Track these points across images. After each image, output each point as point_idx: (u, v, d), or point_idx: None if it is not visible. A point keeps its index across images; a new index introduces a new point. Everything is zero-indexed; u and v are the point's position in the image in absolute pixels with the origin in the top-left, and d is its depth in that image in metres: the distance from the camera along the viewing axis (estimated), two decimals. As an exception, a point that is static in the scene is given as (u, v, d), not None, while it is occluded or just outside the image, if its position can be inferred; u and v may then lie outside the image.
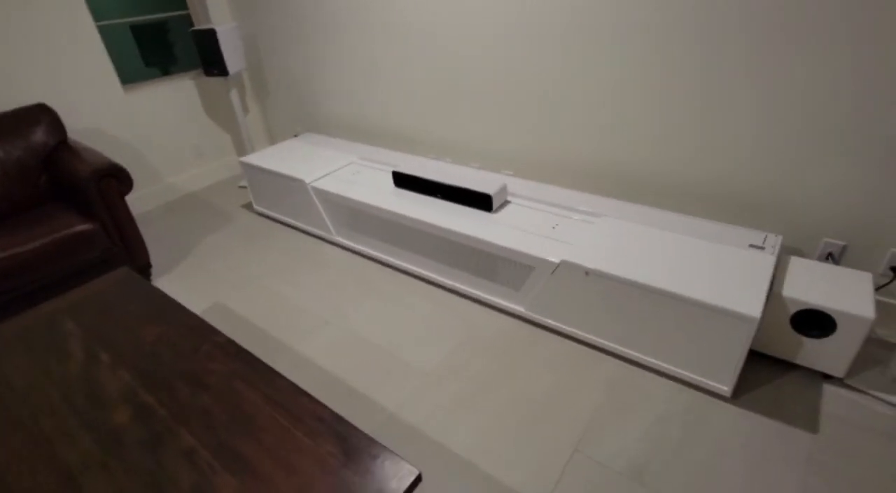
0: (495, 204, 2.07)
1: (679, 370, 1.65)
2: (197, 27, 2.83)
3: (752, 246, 1.69)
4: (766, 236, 1.74)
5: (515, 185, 2.26)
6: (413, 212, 2.13)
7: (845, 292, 1.53)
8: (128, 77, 2.99)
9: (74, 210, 2.15)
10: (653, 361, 1.69)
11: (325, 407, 1.14)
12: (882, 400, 1.54)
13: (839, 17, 1.49)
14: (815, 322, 1.56)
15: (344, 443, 1.05)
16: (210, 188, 3.41)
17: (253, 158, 2.79)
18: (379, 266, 2.41)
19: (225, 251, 2.63)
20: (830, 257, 1.80)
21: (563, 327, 1.87)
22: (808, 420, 1.51)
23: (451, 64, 2.42)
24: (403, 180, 2.33)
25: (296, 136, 3.42)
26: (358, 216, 2.37)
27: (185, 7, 3.16)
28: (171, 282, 2.40)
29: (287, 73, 3.22)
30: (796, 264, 1.69)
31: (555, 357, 1.80)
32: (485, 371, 1.77)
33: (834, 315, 1.49)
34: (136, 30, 3.09)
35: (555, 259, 1.75)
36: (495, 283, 2.00)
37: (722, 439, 1.47)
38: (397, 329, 1.99)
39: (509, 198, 2.18)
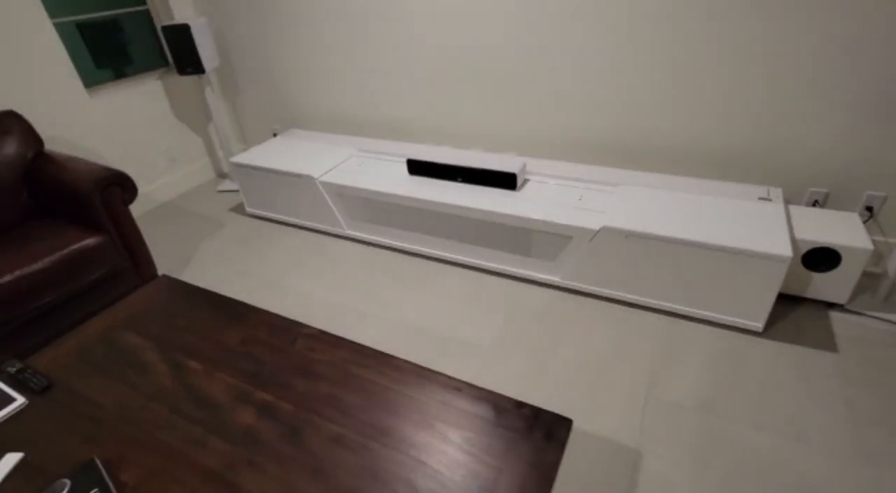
0: (519, 182, 2.16)
1: (715, 315, 1.83)
2: (167, 23, 2.65)
3: (760, 198, 1.92)
4: (769, 190, 1.98)
5: (528, 163, 2.36)
6: (439, 196, 2.17)
7: (843, 231, 1.79)
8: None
9: (73, 224, 1.97)
10: (690, 310, 1.87)
11: (449, 377, 1.18)
12: (879, 318, 1.82)
13: (822, -8, 1.72)
14: (821, 259, 1.80)
15: (486, 405, 1.10)
16: (187, 195, 3.21)
17: (245, 158, 2.67)
18: (399, 255, 2.41)
19: (228, 257, 2.51)
20: (816, 204, 2.08)
21: (601, 290, 2.00)
22: (827, 342, 1.75)
23: (442, 48, 2.46)
24: (419, 167, 2.35)
25: (275, 135, 3.30)
26: (375, 207, 2.36)
27: (141, 2, 2.93)
28: (180, 293, 2.26)
29: (260, 68, 3.09)
30: (793, 212, 1.93)
31: (599, 320, 1.93)
32: (541, 340, 1.86)
33: (840, 250, 1.74)
34: (86, 28, 2.82)
35: (594, 226, 1.87)
36: (530, 257, 2.09)
37: (765, 368, 1.67)
38: (439, 312, 2.03)
39: (527, 176, 2.28)
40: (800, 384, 1.60)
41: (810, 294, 1.88)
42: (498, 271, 2.21)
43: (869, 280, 2.02)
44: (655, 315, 1.93)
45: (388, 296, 2.15)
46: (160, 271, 2.41)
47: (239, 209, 2.98)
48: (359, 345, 1.30)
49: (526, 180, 2.25)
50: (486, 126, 2.59)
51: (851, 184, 2.00)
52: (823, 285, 1.84)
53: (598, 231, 1.86)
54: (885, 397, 1.53)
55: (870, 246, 1.70)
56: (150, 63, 3.04)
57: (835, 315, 1.86)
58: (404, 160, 2.54)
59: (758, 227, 1.75)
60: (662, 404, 1.57)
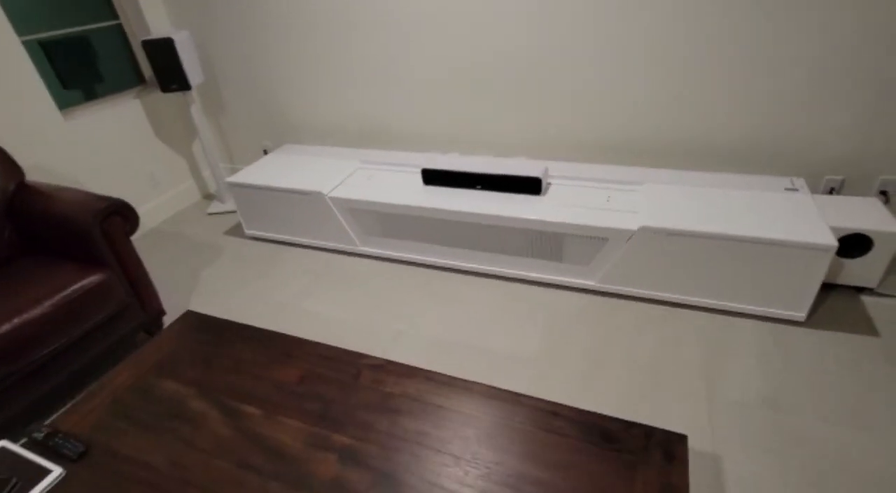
0: (543, 186, 2.11)
1: (756, 308, 1.83)
2: (148, 37, 2.47)
3: (787, 189, 1.93)
4: (792, 180, 2.00)
5: (548, 167, 2.31)
6: (461, 206, 2.09)
7: (870, 216, 1.82)
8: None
9: (69, 261, 1.77)
10: (730, 305, 1.86)
11: (538, 399, 1.10)
12: (909, 299, 1.86)
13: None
14: (853, 244, 1.83)
15: (591, 428, 1.03)
16: (175, 220, 3.00)
17: (242, 178, 2.51)
18: (421, 269, 2.32)
19: (235, 283, 2.35)
20: (833, 191, 2.12)
21: (639, 291, 1.97)
22: (867, 327, 1.77)
23: (446, 54, 2.39)
24: (435, 177, 2.26)
25: (266, 151, 3.14)
26: (391, 221, 2.26)
27: (112, 17, 2.73)
28: (188, 327, 2.09)
29: (246, 82, 2.93)
30: (815, 200, 1.96)
31: (641, 322, 1.90)
32: (586, 347, 1.81)
33: (872, 235, 1.77)
34: (51, 46, 2.60)
35: (632, 227, 1.84)
36: (562, 262, 2.04)
37: (815, 357, 1.67)
38: (476, 326, 1.95)
39: (549, 180, 2.23)
40: (851, 372, 1.60)
41: (841, 280, 1.91)
42: (529, 279, 2.15)
43: (891, 263, 2.07)
44: (695, 312, 1.91)
45: (419, 313, 2.05)
46: (164, 306, 2.22)
47: (236, 232, 2.81)
48: (431, 372, 1.20)
49: (548, 184, 2.20)
50: (493, 131, 2.54)
51: (865, 169, 2.05)
52: (854, 271, 1.86)
53: (637, 231, 1.83)
54: (937, 377, 1.56)
55: (900, 230, 1.74)
56: (125, 81, 2.83)
57: (867, 300, 1.89)
58: (415, 170, 2.45)
59: (793, 217, 1.75)
60: (726, 404, 1.54)
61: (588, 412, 1.06)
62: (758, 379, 1.61)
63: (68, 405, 1.43)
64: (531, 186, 2.11)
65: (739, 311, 1.86)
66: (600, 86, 2.22)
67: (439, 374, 1.20)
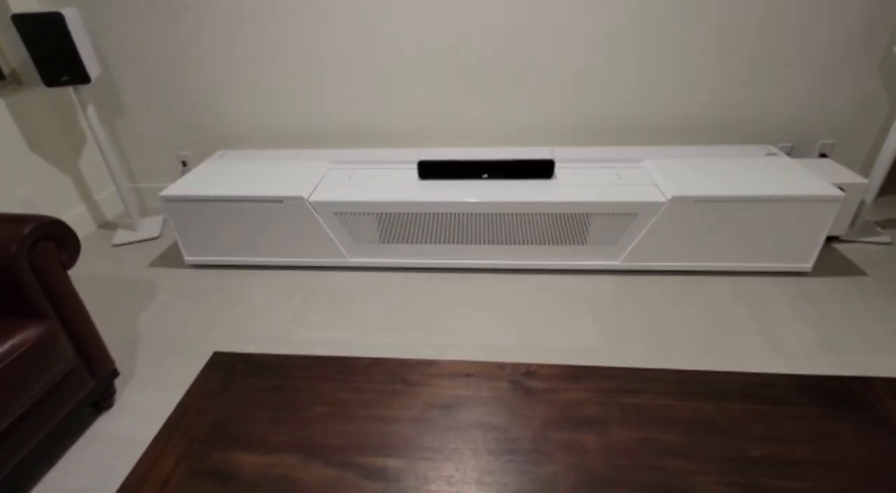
0: (556, 169, 2.02)
1: (771, 265, 1.94)
2: (23, 11, 1.83)
3: (769, 154, 2.11)
4: (766, 147, 2.19)
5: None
6: (472, 197, 1.90)
7: (833, 173, 2.06)
8: None
9: (-29, 317, 1.18)
10: (749, 265, 1.94)
11: (748, 373, 0.97)
12: (869, 242, 2.14)
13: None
14: (827, 198, 2.05)
15: (810, 391, 0.93)
16: (67, 258, 2.26)
17: (181, 190, 1.99)
18: (432, 274, 2.05)
19: (198, 324, 1.83)
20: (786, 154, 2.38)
21: (663, 264, 1.97)
22: (855, 269, 1.98)
23: (416, 42, 2.19)
24: (432, 169, 2.03)
25: (184, 163, 2.58)
26: (391, 223, 1.96)
27: (-53, -11, 1.99)
28: (164, 385, 1.55)
29: (154, 80, 2.36)
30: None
31: (676, 293, 1.89)
32: (641, 325, 1.73)
33: (844, 187, 1.99)
34: None
35: (661, 199, 1.83)
36: (587, 245, 1.95)
37: (835, 301, 1.81)
38: (525, 326, 1.76)
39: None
40: (869, 307, 1.77)
41: (817, 232, 2.13)
42: (555, 267, 2.02)
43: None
44: (719, 277, 1.96)
45: (455, 322, 1.79)
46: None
47: (167, 262, 2.21)
48: (597, 367, 1.00)
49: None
50: (473, 121, 2.38)
51: (808, 135, 2.34)
52: (829, 222, 2.09)
53: (667, 202, 1.82)
54: (929, 300, 1.79)
55: (864, 181, 1.99)
56: (-24, 77, 2.08)
57: (840, 247, 2.13)
58: (400, 166, 2.18)
59: (793, 177, 1.90)
60: (794, 354, 1.58)
61: (795, 376, 0.96)
62: (804, 327, 1.69)
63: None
64: (544, 169, 2.00)
65: (756, 269, 1.96)
66: (584, 72, 2.21)
67: (607, 368, 1.00)
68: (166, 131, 2.51)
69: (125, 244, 2.37)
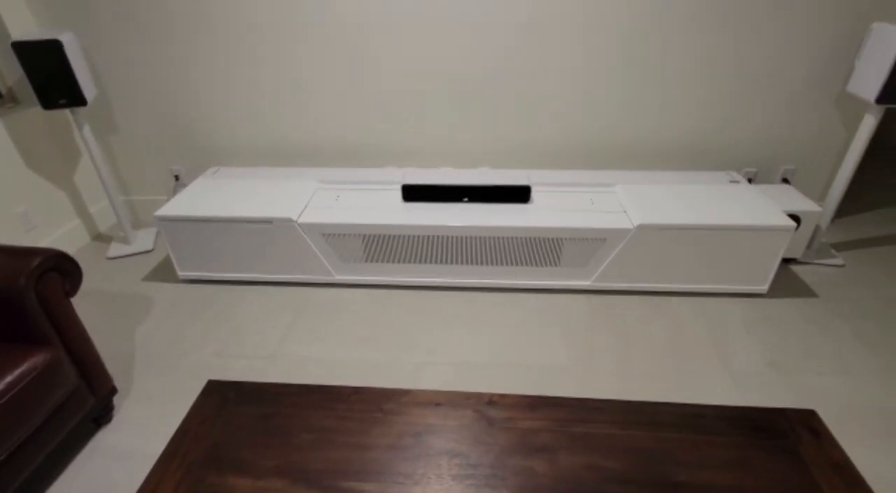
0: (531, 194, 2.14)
1: (730, 287, 2.08)
2: (23, 38, 1.90)
3: (731, 181, 2.25)
4: (729, 173, 2.33)
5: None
6: (452, 220, 2.01)
7: (792, 200, 2.20)
8: None
9: (-18, 344, 1.27)
10: (710, 287, 2.09)
11: (688, 405, 1.10)
12: (822, 264, 2.30)
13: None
14: (784, 224, 2.19)
15: (734, 421, 1.06)
16: (63, 271, 2.34)
17: (174, 209, 2.08)
18: (413, 292, 2.16)
19: (191, 339, 1.93)
20: (751, 181, 2.52)
21: (631, 285, 2.10)
22: (807, 290, 2.14)
23: (397, 65, 2.30)
24: (416, 192, 2.14)
25: (177, 178, 2.66)
26: (375, 244, 2.07)
27: (-56, 11, 2.04)
28: (160, 400, 1.65)
29: (147, 98, 2.44)
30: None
31: (642, 313, 2.03)
32: (609, 344, 1.87)
33: (800, 215, 2.14)
34: None
35: (628, 226, 1.96)
36: (560, 266, 2.08)
37: (786, 322, 1.96)
38: (500, 343, 1.89)
39: (526, 187, 2.27)
40: (817, 328, 1.92)
41: (776, 254, 2.28)
42: (529, 287, 2.15)
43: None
44: (681, 298, 2.10)
45: (433, 339, 1.91)
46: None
47: (160, 276, 2.30)
48: (547, 397, 1.13)
49: (529, 192, 2.23)
50: (455, 142, 2.49)
51: (771, 162, 2.48)
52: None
53: (634, 229, 1.95)
54: (875, 321, 1.94)
55: (818, 208, 2.14)
56: (-27, 96, 2.14)
57: (796, 268, 2.29)
58: (386, 187, 2.29)
59: (751, 205, 2.04)
60: (741, 371, 1.73)
61: (723, 407, 1.09)
62: (756, 346, 1.84)
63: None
64: (521, 194, 2.12)
65: (716, 291, 2.11)
66: (562, 99, 2.33)
67: (559, 398, 1.13)
68: (160, 146, 2.59)
69: (119, 257, 2.46)
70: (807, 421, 1.05)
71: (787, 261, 2.33)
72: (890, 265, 2.28)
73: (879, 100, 1.90)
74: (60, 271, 1.36)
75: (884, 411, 1.58)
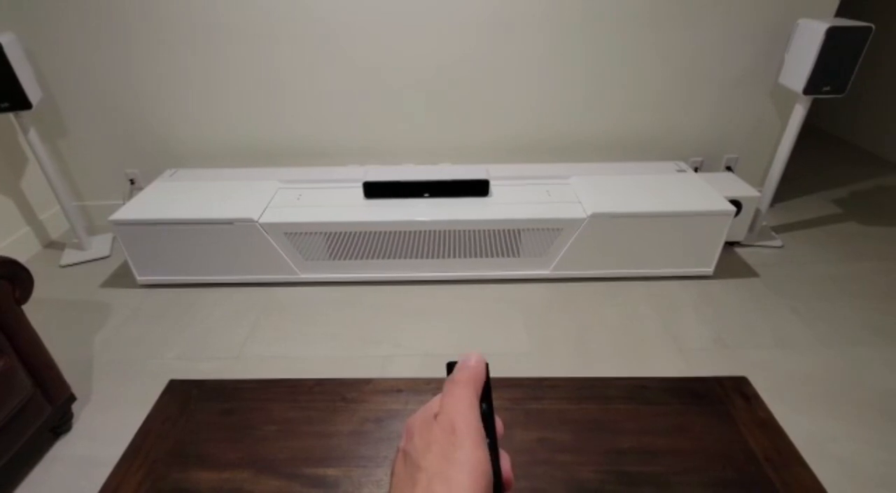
0: (490, 188, 2.20)
1: (678, 270, 2.20)
2: (-42, 40, 1.82)
3: (678, 171, 2.37)
4: (677, 163, 2.45)
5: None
6: (415, 215, 2.05)
7: (736, 186, 2.34)
8: None
9: (-73, 356, 1.23)
10: (659, 270, 2.20)
11: (633, 378, 1.17)
12: (764, 245, 2.45)
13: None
14: (728, 209, 2.33)
15: (676, 391, 1.14)
16: (13, 281, 2.26)
17: (131, 213, 2.04)
18: (377, 287, 2.19)
19: (151, 344, 1.90)
20: (697, 169, 2.66)
21: (587, 272, 2.19)
22: (749, 271, 2.28)
23: (352, 62, 2.32)
24: (377, 189, 2.17)
25: (132, 181, 2.60)
26: (338, 241, 2.09)
27: None
28: (121, 406, 1.63)
29: (97, 100, 2.38)
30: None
31: (598, 297, 2.12)
32: (567, 328, 1.95)
33: (741, 201, 2.28)
34: None
35: (582, 215, 2.04)
36: (520, 256, 2.15)
37: (730, 300, 2.09)
38: (461, 333, 1.94)
39: (486, 181, 2.33)
40: (757, 305, 2.06)
41: (721, 238, 2.42)
42: (492, 277, 2.21)
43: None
44: (635, 282, 2.21)
45: (398, 332, 1.95)
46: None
47: (118, 282, 2.26)
48: (510, 379, 1.18)
49: (488, 186, 2.30)
50: (415, 139, 2.53)
51: (715, 151, 2.62)
52: (730, 230, 2.38)
53: (587, 219, 2.04)
54: (810, 296, 2.09)
55: (758, 194, 2.28)
56: None
57: (739, 250, 2.43)
58: (347, 185, 2.30)
59: (696, 192, 2.16)
60: (693, 350, 1.84)
61: (666, 379, 1.18)
62: (702, 325, 1.96)
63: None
64: (480, 188, 2.17)
65: (666, 275, 2.22)
66: (520, 94, 2.40)
67: (518, 379, 1.18)
68: (113, 149, 2.53)
69: (74, 265, 2.39)
70: (739, 387, 1.15)
71: (731, 244, 2.47)
72: (824, 244, 2.46)
73: (806, 91, 2.05)
74: (9, 279, 1.33)
75: (812, 378, 1.72)
